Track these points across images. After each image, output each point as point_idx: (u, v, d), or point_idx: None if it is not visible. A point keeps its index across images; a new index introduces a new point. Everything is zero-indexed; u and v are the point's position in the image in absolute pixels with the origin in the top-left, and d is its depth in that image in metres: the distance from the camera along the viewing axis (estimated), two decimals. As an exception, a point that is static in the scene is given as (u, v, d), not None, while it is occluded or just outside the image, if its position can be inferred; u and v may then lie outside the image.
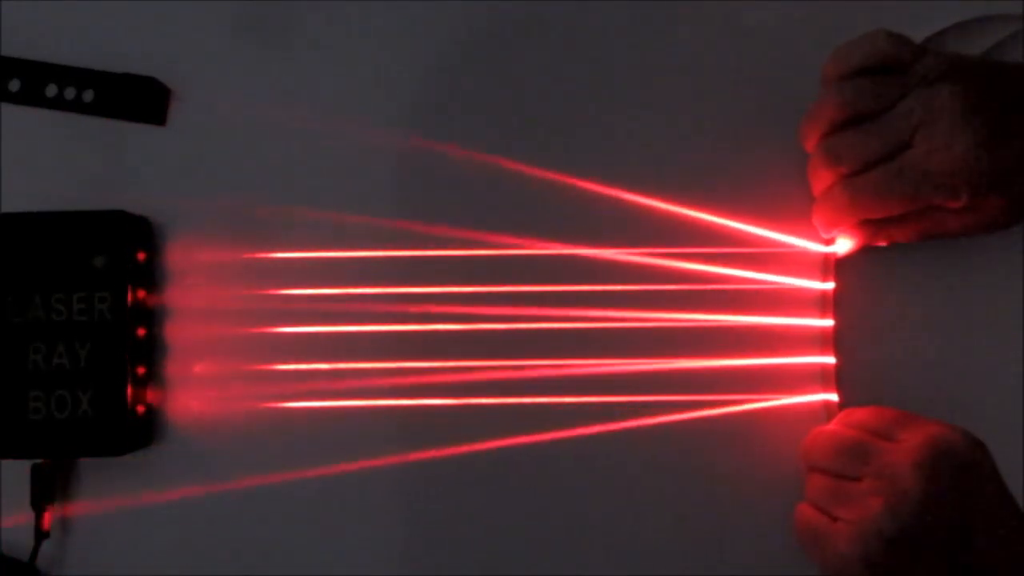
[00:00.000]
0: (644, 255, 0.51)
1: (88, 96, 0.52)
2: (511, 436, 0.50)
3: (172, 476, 0.50)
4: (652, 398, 0.50)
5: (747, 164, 0.51)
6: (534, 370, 0.50)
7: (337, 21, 0.52)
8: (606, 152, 0.51)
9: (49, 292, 0.48)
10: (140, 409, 0.49)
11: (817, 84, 0.48)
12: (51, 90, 0.52)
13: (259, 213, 0.51)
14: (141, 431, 0.50)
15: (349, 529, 0.50)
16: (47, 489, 0.49)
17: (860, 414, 0.47)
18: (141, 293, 0.50)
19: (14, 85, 0.52)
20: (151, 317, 0.51)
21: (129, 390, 0.48)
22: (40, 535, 0.49)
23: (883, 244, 0.48)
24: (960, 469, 0.42)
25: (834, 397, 0.49)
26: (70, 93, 0.52)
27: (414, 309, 0.51)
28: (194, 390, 0.51)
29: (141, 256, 0.50)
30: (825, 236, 0.49)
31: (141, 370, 0.50)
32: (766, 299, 0.50)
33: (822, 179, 0.47)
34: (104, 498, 0.50)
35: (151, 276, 0.51)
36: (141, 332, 0.50)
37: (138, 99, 0.51)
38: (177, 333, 0.51)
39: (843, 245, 0.49)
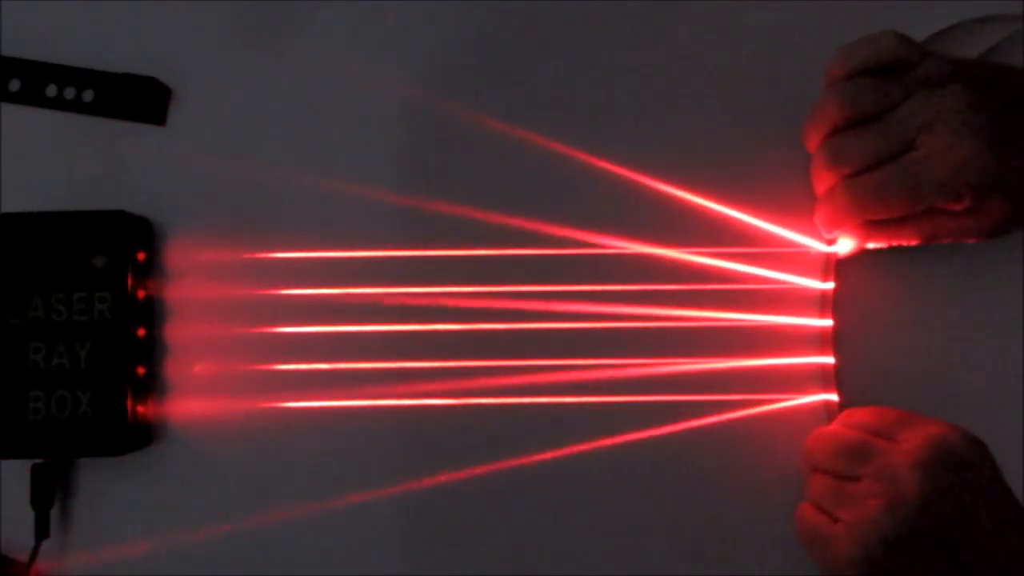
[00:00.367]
0: (643, 254, 0.50)
1: (88, 96, 0.52)
2: (511, 436, 0.50)
3: (172, 476, 0.50)
4: (652, 398, 0.50)
5: (749, 164, 0.51)
6: (534, 370, 0.50)
7: (337, 21, 0.52)
8: (606, 152, 0.51)
9: (49, 292, 0.48)
10: (140, 409, 0.49)
11: (820, 83, 0.48)
12: (51, 90, 0.52)
13: (259, 213, 0.51)
14: (141, 431, 0.50)
15: (349, 529, 0.50)
16: (47, 489, 0.49)
17: (861, 414, 0.47)
18: (141, 293, 0.50)
19: (14, 85, 0.52)
20: (151, 317, 0.51)
21: (129, 390, 0.48)
22: (40, 535, 0.49)
23: (885, 245, 0.48)
24: (960, 469, 0.42)
25: (834, 397, 0.49)
26: (70, 93, 0.52)
27: (415, 310, 0.51)
28: (194, 390, 0.51)
29: (141, 256, 0.50)
30: (827, 236, 0.49)
31: (141, 370, 0.50)
32: (766, 299, 0.50)
33: (824, 179, 0.47)
34: (104, 498, 0.50)
35: (151, 276, 0.51)
36: (141, 332, 0.50)
37: (138, 99, 0.51)
38: (177, 333, 0.51)
39: (845, 245, 0.49)
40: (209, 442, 0.50)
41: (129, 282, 0.49)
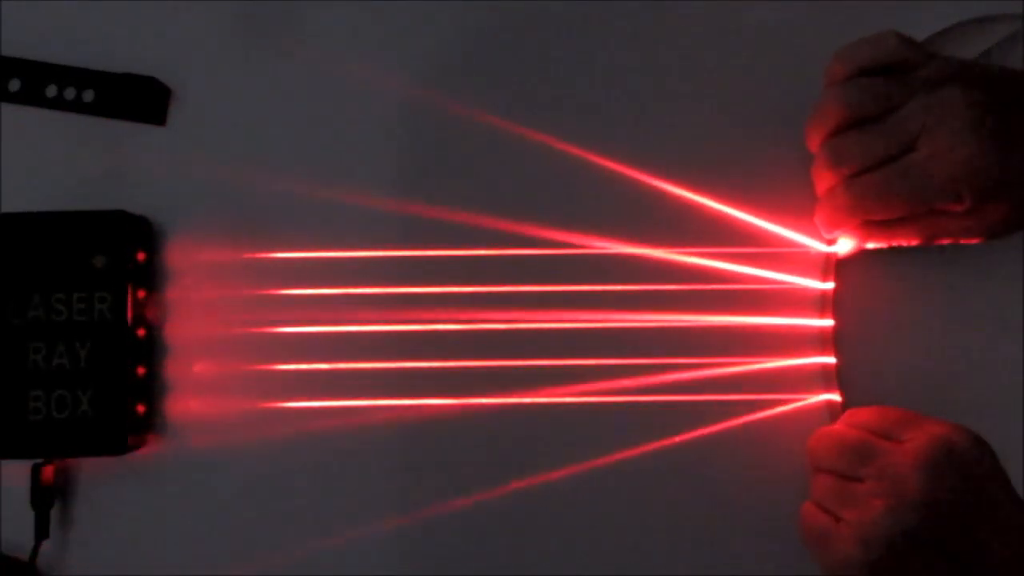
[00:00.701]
0: (642, 255, 0.50)
1: (88, 96, 0.52)
2: (511, 436, 0.50)
3: (172, 476, 0.50)
4: (652, 398, 0.50)
5: (749, 164, 0.51)
6: (533, 371, 0.50)
7: (337, 21, 0.52)
8: (605, 152, 0.51)
9: (49, 292, 0.48)
10: (140, 409, 0.49)
11: (820, 83, 0.48)
12: (51, 90, 0.52)
13: (259, 213, 0.51)
14: (141, 431, 0.50)
15: (349, 529, 0.50)
16: (47, 489, 0.49)
17: (864, 414, 0.47)
18: (141, 293, 0.50)
19: (14, 85, 0.52)
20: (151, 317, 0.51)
21: (129, 390, 0.48)
22: (40, 535, 0.49)
23: (885, 246, 0.48)
24: (962, 469, 0.42)
25: (836, 397, 0.49)
26: (70, 93, 0.52)
27: (415, 310, 0.51)
28: (194, 390, 0.51)
29: (141, 256, 0.50)
30: (827, 236, 0.49)
31: (141, 370, 0.50)
32: (766, 299, 0.50)
33: (825, 179, 0.47)
34: (104, 498, 0.50)
35: (151, 276, 0.51)
36: (141, 332, 0.50)
37: (138, 99, 0.51)
38: (177, 333, 0.51)
39: (845, 246, 0.49)
40: (209, 442, 0.50)
41: (129, 282, 0.49)
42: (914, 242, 0.47)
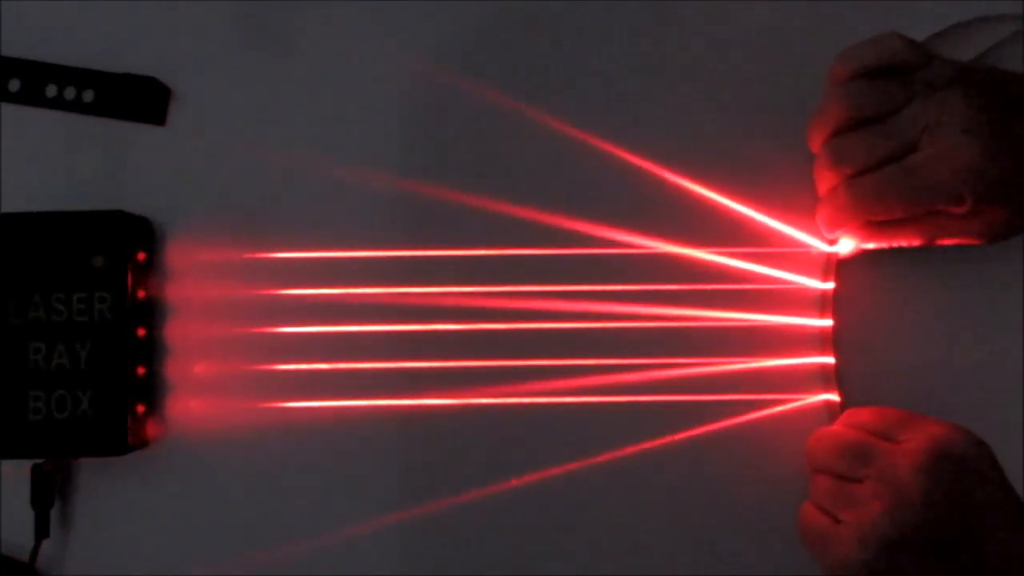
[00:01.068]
0: (642, 254, 0.50)
1: (88, 96, 0.52)
2: (511, 436, 0.50)
3: (172, 476, 0.50)
4: (652, 398, 0.50)
5: (749, 163, 0.51)
6: (534, 370, 0.50)
7: (337, 21, 0.52)
8: (605, 152, 0.51)
9: (49, 292, 0.48)
10: (140, 409, 0.49)
11: (821, 83, 0.48)
12: (51, 90, 0.52)
13: (259, 213, 0.51)
14: (141, 431, 0.50)
15: (349, 529, 0.50)
16: (47, 489, 0.49)
17: (863, 414, 0.47)
18: (141, 293, 0.50)
19: (14, 85, 0.52)
20: (151, 317, 0.51)
21: (129, 390, 0.48)
22: (40, 535, 0.49)
23: (885, 246, 0.48)
24: (961, 470, 0.42)
25: (835, 397, 0.49)
26: (70, 93, 0.52)
27: (415, 309, 0.51)
28: (194, 390, 0.51)
29: (141, 256, 0.50)
30: (828, 236, 0.50)
31: (141, 370, 0.50)
32: (766, 299, 0.50)
33: (827, 179, 0.47)
34: (104, 498, 0.50)
35: (151, 276, 0.51)
36: (141, 332, 0.50)
37: (138, 99, 0.51)
38: (177, 333, 0.51)
39: (845, 246, 0.49)
40: (209, 442, 0.50)
41: (129, 282, 0.49)
42: (915, 243, 0.47)
